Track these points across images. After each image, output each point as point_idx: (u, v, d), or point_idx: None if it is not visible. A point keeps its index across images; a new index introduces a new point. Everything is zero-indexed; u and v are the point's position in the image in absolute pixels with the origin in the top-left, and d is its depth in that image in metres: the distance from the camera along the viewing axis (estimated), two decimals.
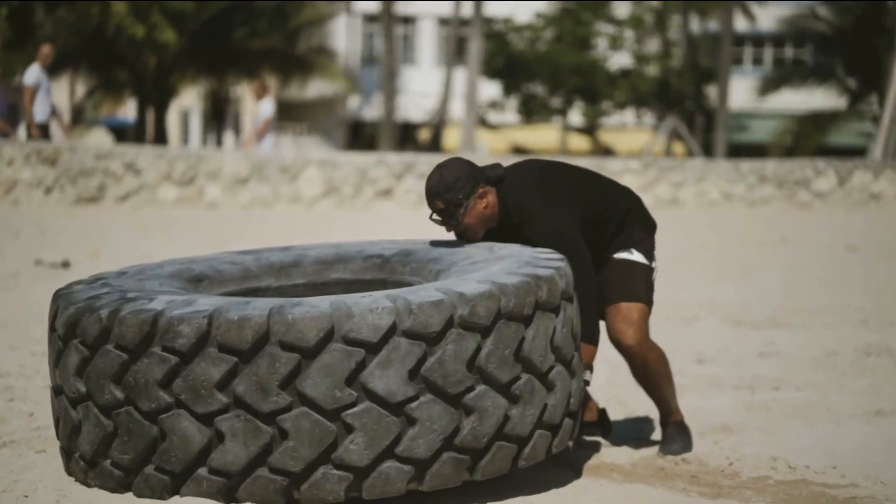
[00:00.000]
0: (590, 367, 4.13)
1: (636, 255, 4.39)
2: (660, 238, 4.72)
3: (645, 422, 5.12)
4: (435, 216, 4.12)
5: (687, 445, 4.53)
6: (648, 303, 4.41)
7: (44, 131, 14.83)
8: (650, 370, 4.45)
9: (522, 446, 3.67)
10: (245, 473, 3.33)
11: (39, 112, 14.79)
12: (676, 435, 4.53)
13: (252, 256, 4.32)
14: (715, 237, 13.52)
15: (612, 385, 5.81)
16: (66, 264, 9.53)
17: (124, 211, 14.31)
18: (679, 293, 9.21)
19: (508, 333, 3.56)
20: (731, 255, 11.92)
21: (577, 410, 3.96)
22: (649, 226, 4.46)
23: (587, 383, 4.13)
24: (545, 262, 3.82)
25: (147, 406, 3.38)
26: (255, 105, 16.11)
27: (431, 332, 3.41)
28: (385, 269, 4.21)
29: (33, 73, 14.62)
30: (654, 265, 4.43)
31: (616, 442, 4.75)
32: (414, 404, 3.42)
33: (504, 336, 3.55)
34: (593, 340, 4.14)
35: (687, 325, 7.85)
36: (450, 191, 4.05)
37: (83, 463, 3.53)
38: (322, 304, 3.36)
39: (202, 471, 3.35)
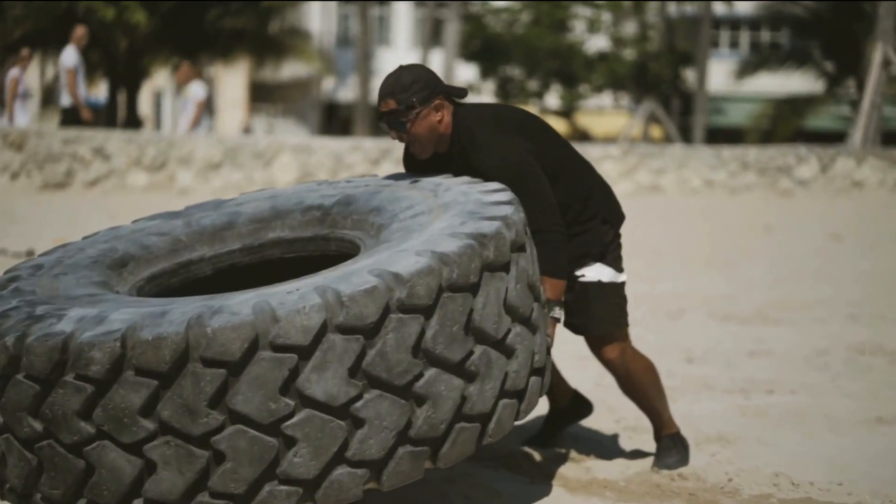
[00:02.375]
0: (558, 303, 3.80)
1: (607, 273, 4.07)
2: (641, 226, 4.44)
3: (637, 431, 4.87)
4: (384, 121, 3.80)
5: (683, 458, 4.29)
6: (626, 322, 4.17)
7: (74, 115, 14.66)
8: (636, 382, 4.22)
9: (486, 423, 3.40)
10: (184, 501, 3.06)
11: (82, 94, 14.76)
12: (672, 448, 4.29)
13: (181, 221, 3.99)
14: (697, 225, 13.32)
15: (600, 388, 5.57)
16: (30, 253, 9.25)
17: (93, 197, 13.95)
18: (663, 285, 9.01)
19: (454, 308, 3.24)
20: (715, 245, 11.72)
21: (545, 364, 3.67)
22: (616, 217, 4.12)
23: (557, 320, 3.81)
24: (491, 209, 3.49)
25: (69, 439, 3.10)
26: (184, 90, 15.64)
27: (368, 323, 3.09)
28: (326, 223, 3.88)
29: (72, 55, 14.43)
30: (623, 277, 4.14)
31: (607, 455, 4.51)
32: (359, 404, 3.12)
33: (450, 312, 3.23)
34: (559, 274, 3.79)
35: (673, 321, 7.64)
36: (404, 91, 3.74)
37: (14, 496, 3.25)
38: (243, 309, 3.05)
39: (138, 503, 3.07)
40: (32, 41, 24.97)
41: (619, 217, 4.13)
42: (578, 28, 34.58)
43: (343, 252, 3.78)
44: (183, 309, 3.09)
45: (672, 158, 15.84)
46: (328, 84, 37.94)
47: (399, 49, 37.98)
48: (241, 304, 3.06)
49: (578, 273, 4.04)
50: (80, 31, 14.88)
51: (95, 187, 14.38)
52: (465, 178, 3.78)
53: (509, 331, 3.42)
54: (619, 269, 4.12)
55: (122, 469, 3.06)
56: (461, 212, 3.49)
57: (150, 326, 3.03)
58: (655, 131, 33.82)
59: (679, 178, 15.79)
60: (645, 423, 4.95)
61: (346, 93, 36.55)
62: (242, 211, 4.01)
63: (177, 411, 3.02)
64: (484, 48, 33.40)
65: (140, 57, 24.12)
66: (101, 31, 23.15)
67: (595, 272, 4.06)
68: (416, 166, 4.00)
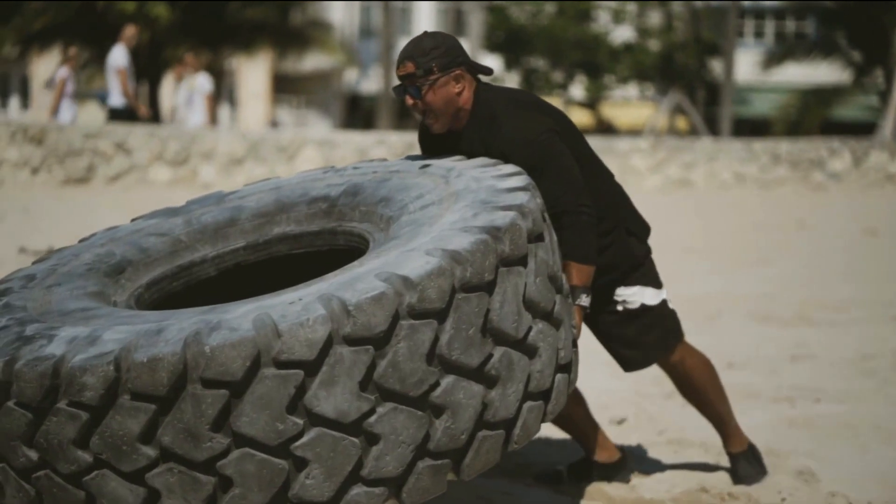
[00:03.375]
0: (585, 290, 3.52)
1: (649, 294, 3.82)
2: (672, 221, 4.19)
3: (682, 444, 4.65)
4: (398, 85, 3.57)
5: (760, 474, 4.08)
6: (682, 334, 3.94)
7: (124, 114, 14.65)
8: (695, 382, 3.97)
9: (510, 429, 3.17)
10: None
11: (132, 93, 14.78)
12: (747, 466, 4.07)
13: (181, 219, 3.76)
14: (729, 221, 13.08)
15: (640, 397, 5.36)
16: (50, 251, 9.07)
17: (114, 192, 13.80)
18: (697, 285, 8.79)
19: (470, 309, 3.00)
20: (748, 241, 11.49)
21: (571, 359, 3.42)
22: (641, 228, 3.86)
23: (585, 309, 3.56)
24: (505, 197, 3.24)
25: (66, 468, 2.90)
26: (187, 82, 15.45)
27: (377, 332, 2.87)
28: (333, 216, 3.63)
29: (122, 55, 14.42)
30: (665, 292, 3.88)
31: (652, 471, 4.29)
32: (372, 419, 2.90)
33: (465, 313, 3.00)
34: (586, 259, 3.51)
35: (710, 323, 7.42)
36: (424, 55, 3.50)
37: None
38: (243, 324, 2.83)
39: None
40: (52, 34, 24.93)
41: (644, 228, 3.88)
42: (603, 18, 34.29)
43: (352, 246, 3.56)
44: (179, 325, 2.89)
45: (702, 152, 15.57)
46: (351, 76, 37.78)
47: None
48: (241, 319, 2.86)
49: (619, 298, 3.80)
50: (130, 30, 14.87)
51: (117, 182, 14.23)
52: (479, 161, 3.54)
53: (530, 328, 3.19)
54: (659, 285, 3.87)
55: (125, 499, 2.86)
56: (473, 201, 3.25)
57: (144, 347, 2.83)
58: (681, 122, 33.51)
59: (709, 172, 15.53)
60: (690, 434, 4.74)
61: (369, 84, 36.38)
62: (245, 205, 3.78)
63: (178, 436, 2.83)
64: (508, 39, 33.15)
65: (161, 49, 23.98)
66: (120, 23, 23.04)
67: (637, 295, 3.81)
68: (431, 145, 3.77)
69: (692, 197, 14.92)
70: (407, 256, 3.01)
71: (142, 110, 14.65)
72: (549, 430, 4.71)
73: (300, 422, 2.83)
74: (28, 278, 3.44)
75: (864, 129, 28.56)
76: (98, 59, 25.68)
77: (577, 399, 4.02)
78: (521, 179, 3.37)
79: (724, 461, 4.30)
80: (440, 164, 3.56)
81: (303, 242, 3.68)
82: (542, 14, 33.84)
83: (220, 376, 2.79)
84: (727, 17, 27.66)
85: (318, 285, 2.98)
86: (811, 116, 28.81)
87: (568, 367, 3.41)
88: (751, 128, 32.57)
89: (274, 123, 33.09)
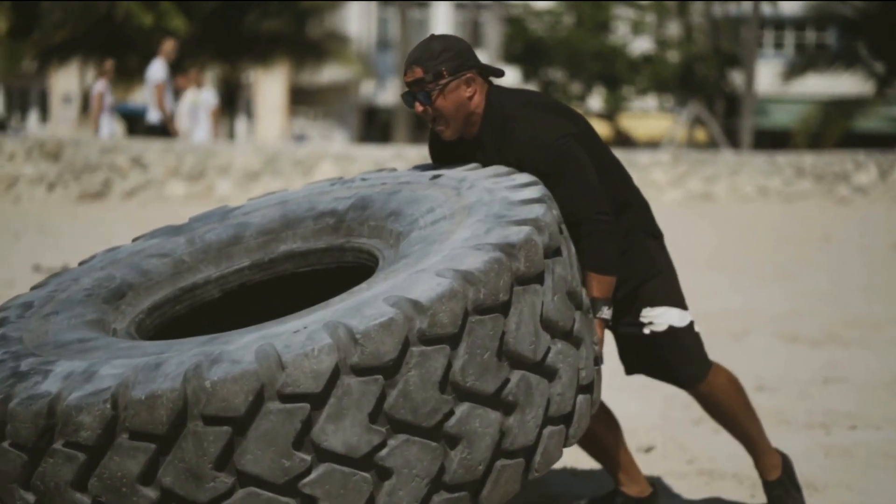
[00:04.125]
0: (606, 302, 3.36)
1: (675, 316, 3.60)
2: (694, 236, 3.97)
3: (713, 476, 4.46)
4: (406, 92, 3.39)
5: (798, 500, 3.84)
6: (706, 356, 3.73)
7: (158, 130, 14.62)
8: (721, 401, 3.74)
9: (530, 456, 3.01)
10: None
11: (169, 108, 14.74)
12: (784, 496, 3.83)
13: (184, 238, 3.60)
14: (752, 235, 12.88)
15: (668, 422, 5.17)
16: (50, 277, 8.97)
17: (130, 208, 13.69)
18: (722, 301, 8.61)
19: (484, 332, 2.85)
20: (772, 256, 11.30)
21: (593, 379, 3.25)
22: (657, 234, 3.68)
23: (607, 322, 3.38)
24: (519, 210, 3.08)
25: None
26: (190, 95, 15.30)
27: (386, 361, 2.72)
28: (341, 232, 3.47)
29: (161, 69, 14.37)
30: (689, 314, 3.65)
31: None
32: (384, 452, 2.75)
33: (479, 337, 2.84)
34: (607, 270, 3.35)
35: (737, 342, 7.23)
36: (433, 59, 3.33)
37: None
38: (245, 356, 2.69)
39: None
40: (71, 48, 24.93)
41: (659, 233, 3.69)
42: (622, 30, 34.15)
43: (361, 263, 3.40)
44: (179, 359, 2.75)
45: (724, 165, 15.37)
46: (367, 88, 37.71)
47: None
48: (243, 350, 2.71)
49: (645, 320, 3.58)
50: (169, 44, 14.79)
51: (133, 198, 14.13)
52: (491, 171, 3.36)
53: (549, 349, 3.03)
54: (684, 305, 3.66)
55: None
56: (486, 216, 3.09)
57: (142, 383, 2.69)
58: (699, 134, 33.31)
59: (731, 186, 15.32)
60: (722, 464, 4.56)
61: (386, 96, 36.29)
62: (250, 221, 3.62)
63: (180, 476, 2.68)
64: (526, 50, 33.04)
65: (179, 62, 23.94)
66: (138, 36, 23.01)
67: (664, 317, 3.60)
68: (442, 153, 3.59)
69: (714, 211, 14.72)
70: (417, 278, 2.86)
71: (173, 129, 14.54)
72: (575, 459, 4.53)
73: (308, 458, 2.69)
74: (25, 306, 3.29)
75: (887, 141, 28.30)
76: (117, 72, 25.70)
77: (608, 424, 3.82)
78: (537, 190, 3.20)
79: (760, 495, 4.12)
80: (451, 175, 3.40)
81: (310, 260, 3.52)
82: (561, 25, 33.72)
83: (222, 412, 2.65)
84: (747, 28, 27.46)
85: (324, 311, 2.83)
86: (833, 128, 28.57)
87: (590, 388, 3.24)
88: (771, 139, 32.36)
89: (299, 137, 32.97)
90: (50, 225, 12.03)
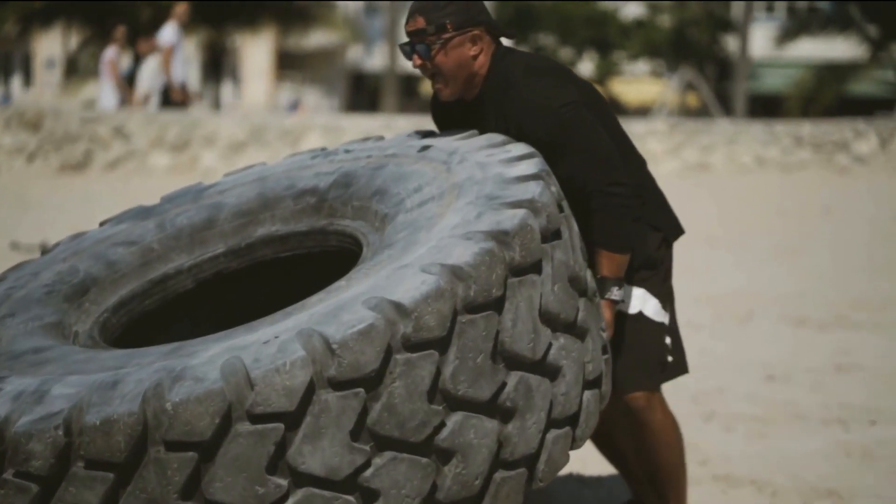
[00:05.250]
0: (617, 282, 3.08)
1: (651, 306, 3.23)
2: (692, 209, 3.58)
3: (730, 482, 4.20)
4: (405, 43, 3.10)
5: None
6: (662, 381, 3.30)
7: (184, 93, 14.43)
8: (657, 440, 3.30)
9: (533, 465, 2.73)
10: None
11: (178, 73, 14.28)
12: None
13: (153, 222, 3.30)
14: (752, 208, 12.64)
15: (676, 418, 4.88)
16: (43, 248, 8.69)
17: (112, 180, 13.35)
18: (724, 281, 8.35)
19: (476, 333, 2.57)
20: (773, 230, 11.05)
21: (602, 370, 2.94)
22: (670, 227, 3.30)
23: (617, 303, 3.09)
24: (514, 189, 2.79)
25: None
26: (143, 63, 14.84)
27: (367, 372, 2.44)
28: (323, 212, 3.18)
29: (170, 33, 13.94)
30: (667, 314, 3.25)
31: None
32: (368, 473, 2.48)
33: (471, 339, 2.56)
34: (620, 247, 3.07)
35: (742, 326, 6.97)
36: (438, 10, 3.04)
37: None
38: (210, 372, 2.42)
39: None
40: (53, 13, 24.50)
41: (674, 228, 3.32)
42: None
43: (345, 248, 3.11)
44: (138, 376, 2.47)
45: (721, 134, 15.06)
46: (355, 53, 37.29)
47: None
48: (208, 366, 2.43)
49: (616, 297, 3.13)
50: (181, 6, 14.34)
51: (115, 169, 13.78)
52: (485, 140, 3.06)
53: (550, 346, 2.74)
54: (666, 306, 3.29)
55: None
56: (477, 197, 2.79)
57: (97, 405, 2.42)
58: (691, 99, 33.01)
59: (729, 155, 15.01)
60: (738, 467, 4.31)
61: (373, 62, 35.90)
62: (225, 202, 3.31)
63: None
64: (516, 16, 32.64)
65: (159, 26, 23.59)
66: (122, 1, 22.63)
67: (638, 300, 3.23)
68: (444, 115, 3.30)
69: (711, 182, 14.43)
70: (400, 276, 2.58)
71: (175, 94, 14.15)
72: (582, 464, 4.24)
73: (283, 483, 2.43)
74: None
75: (880, 105, 28.04)
76: (99, 38, 25.27)
77: (624, 423, 3.49)
78: (533, 164, 2.90)
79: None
80: (441, 147, 3.10)
81: (290, 244, 3.23)
82: None
83: (185, 437, 2.38)
84: None
85: (298, 317, 2.54)
86: (826, 92, 28.29)
87: (598, 382, 2.95)
88: (763, 104, 32.09)
89: (294, 105, 32.48)
90: (29, 197, 11.76)
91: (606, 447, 3.60)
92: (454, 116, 3.25)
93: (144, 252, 3.24)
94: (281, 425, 2.41)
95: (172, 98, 14.27)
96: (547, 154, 3.02)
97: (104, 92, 14.89)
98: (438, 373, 2.52)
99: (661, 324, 3.26)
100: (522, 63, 3.12)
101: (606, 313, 3.06)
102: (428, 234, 2.73)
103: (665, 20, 33.28)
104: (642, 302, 3.24)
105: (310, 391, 2.41)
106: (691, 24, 32.21)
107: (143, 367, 2.51)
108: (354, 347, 2.42)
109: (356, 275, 2.68)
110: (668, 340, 3.29)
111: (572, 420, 2.84)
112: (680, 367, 3.36)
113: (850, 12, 28.87)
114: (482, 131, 3.15)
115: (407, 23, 3.10)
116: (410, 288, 2.51)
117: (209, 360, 2.46)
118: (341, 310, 2.50)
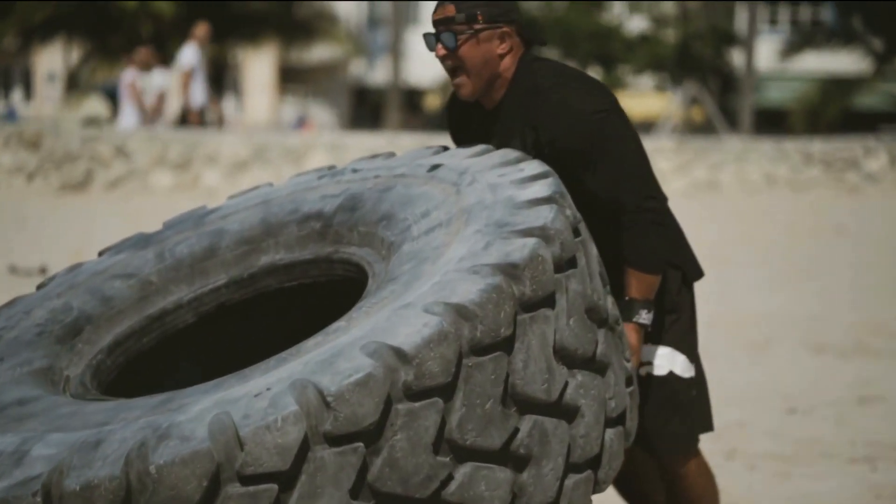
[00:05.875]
0: (646, 305, 2.92)
1: (680, 363, 3.04)
2: (702, 229, 3.40)
3: None
4: (430, 32, 2.95)
5: None
6: (699, 434, 3.15)
7: (201, 117, 14.09)
8: (688, 494, 3.18)
9: None
10: None
11: (197, 96, 13.96)
12: None
13: (153, 252, 3.14)
14: (763, 228, 12.49)
15: None
16: (43, 270, 8.58)
17: (113, 200, 13.22)
18: (738, 304, 8.19)
19: (484, 377, 2.40)
20: (786, 251, 10.92)
21: (626, 405, 2.77)
22: (690, 266, 3.10)
23: (645, 328, 2.91)
24: (525, 215, 2.62)
25: None
26: (144, 78, 14.55)
27: (366, 425, 2.28)
28: (328, 238, 3.01)
29: (190, 55, 13.77)
30: (693, 365, 3.06)
31: None
32: None
33: (479, 384, 2.40)
34: (651, 267, 2.90)
35: (760, 354, 6.80)
36: None
37: None
38: (197, 430, 2.26)
39: None
40: (54, 27, 24.43)
41: (693, 267, 3.12)
42: (617, 8, 33.77)
43: (350, 278, 2.95)
44: (122, 434, 2.32)
45: (730, 152, 14.91)
46: (358, 67, 37.23)
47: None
48: (195, 423, 2.28)
49: (643, 359, 3.01)
50: (201, 28, 14.13)
51: (116, 189, 13.64)
52: (499, 157, 2.87)
53: (566, 384, 2.56)
54: (693, 357, 3.09)
55: None
56: (486, 224, 2.62)
57: (78, 468, 2.27)
58: (696, 113, 32.91)
59: (738, 174, 14.85)
60: None
61: (376, 76, 35.83)
62: (227, 228, 3.15)
63: None
64: None
65: (165, 42, 23.45)
66: (123, 16, 22.56)
67: (666, 359, 3.05)
68: (461, 121, 3.12)
69: (721, 201, 14.28)
70: (401, 317, 2.40)
71: (192, 117, 14.02)
72: None
73: None
74: None
75: (885, 119, 27.94)
76: (100, 52, 25.20)
77: (655, 483, 3.32)
78: (547, 185, 2.71)
79: None
80: (452, 166, 2.91)
81: (295, 274, 3.07)
82: (555, 4, 33.34)
83: (171, 502, 2.22)
84: (743, 5, 27.05)
85: (292, 365, 2.38)
86: (831, 106, 28.21)
87: (621, 418, 2.76)
88: (767, 117, 31.99)
89: (300, 121, 32.36)
90: (29, 218, 11.64)
91: (629, 491, 3.42)
92: (472, 125, 3.08)
93: (143, 285, 3.07)
94: (274, 486, 2.25)
95: (189, 121, 14.14)
96: (578, 164, 2.87)
97: (124, 114, 14.66)
98: (444, 422, 2.35)
99: (691, 378, 3.09)
100: (552, 69, 2.96)
101: (632, 337, 2.89)
102: (433, 266, 2.56)
103: (669, 34, 33.24)
104: (670, 361, 3.06)
105: (304, 448, 2.25)
106: (695, 38, 32.15)
107: (129, 424, 2.35)
108: (351, 399, 2.26)
109: (357, 314, 2.51)
110: (694, 393, 3.12)
111: (594, 462, 2.66)
112: (705, 425, 3.18)
113: (853, 25, 28.84)
114: (504, 142, 2.98)
115: (435, 11, 2.94)
116: (412, 332, 2.35)
117: (197, 415, 2.30)
118: (338, 357, 2.34)
